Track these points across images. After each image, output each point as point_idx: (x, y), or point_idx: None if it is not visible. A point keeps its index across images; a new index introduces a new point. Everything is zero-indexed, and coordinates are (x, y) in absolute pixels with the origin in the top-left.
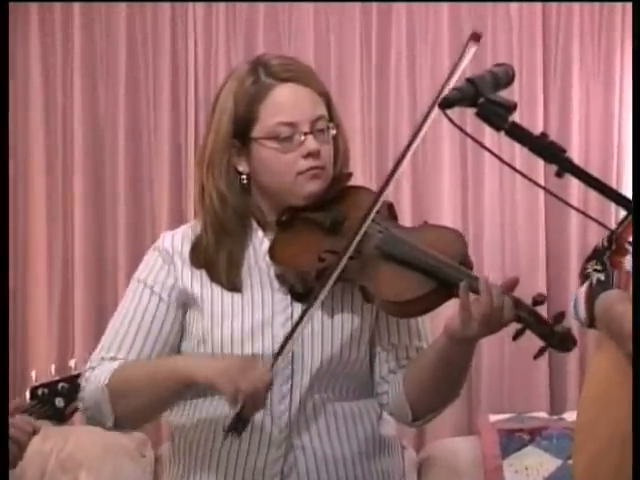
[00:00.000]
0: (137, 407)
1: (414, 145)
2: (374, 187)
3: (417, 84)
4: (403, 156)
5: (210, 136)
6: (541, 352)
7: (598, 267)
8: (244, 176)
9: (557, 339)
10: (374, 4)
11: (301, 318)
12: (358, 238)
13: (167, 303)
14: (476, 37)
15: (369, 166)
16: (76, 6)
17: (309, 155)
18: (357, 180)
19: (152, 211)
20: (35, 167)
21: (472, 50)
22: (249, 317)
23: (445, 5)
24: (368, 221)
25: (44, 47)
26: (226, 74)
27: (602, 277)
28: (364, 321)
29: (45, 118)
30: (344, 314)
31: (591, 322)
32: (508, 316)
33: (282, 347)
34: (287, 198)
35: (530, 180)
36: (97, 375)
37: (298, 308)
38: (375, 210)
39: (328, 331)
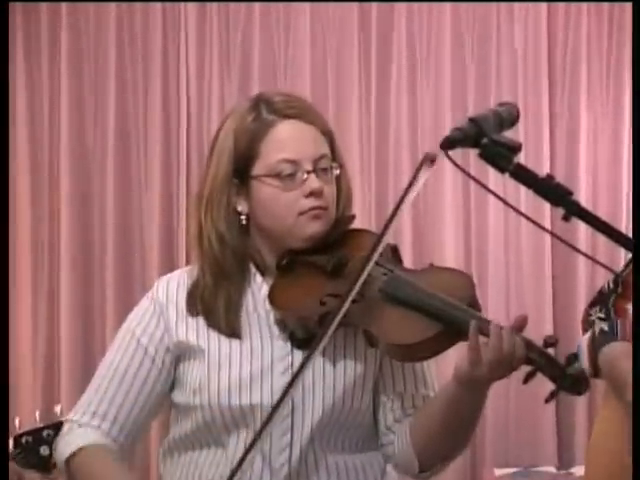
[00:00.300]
0: None
1: (414, 189)
2: (373, 224)
3: (418, 112)
4: (403, 197)
5: (209, 176)
6: (553, 395)
7: (602, 315)
8: (243, 217)
9: (569, 381)
10: (373, 29)
11: (302, 366)
12: (361, 280)
13: (152, 357)
14: (431, 159)
15: (368, 201)
16: (63, 6)
17: (311, 194)
18: (356, 216)
19: (141, 218)
20: (20, 167)
21: (426, 174)
22: (247, 365)
23: (447, 29)
24: (372, 263)
25: (29, 47)
26: (218, 74)
27: (605, 327)
28: (368, 368)
29: (30, 119)
30: (347, 361)
31: (595, 373)
32: (519, 358)
33: (281, 399)
34: (287, 240)
35: (536, 224)
36: (68, 442)
37: (299, 356)
38: (378, 251)
39: (330, 379)
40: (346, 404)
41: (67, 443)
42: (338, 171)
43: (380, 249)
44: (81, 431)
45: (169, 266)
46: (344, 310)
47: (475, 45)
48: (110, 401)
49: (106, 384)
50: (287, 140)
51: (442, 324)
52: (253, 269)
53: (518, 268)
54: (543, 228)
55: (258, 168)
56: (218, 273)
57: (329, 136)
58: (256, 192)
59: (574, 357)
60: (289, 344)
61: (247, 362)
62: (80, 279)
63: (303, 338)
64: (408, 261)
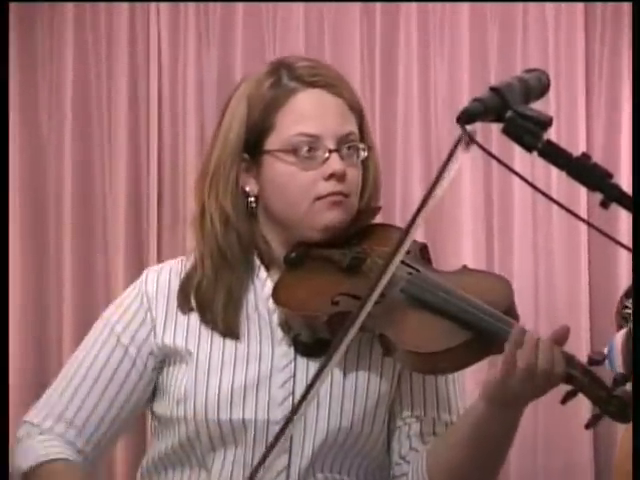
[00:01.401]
0: None
1: (447, 177)
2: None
3: (431, 101)
4: (434, 186)
5: (216, 146)
6: (595, 420)
7: None
8: (252, 198)
9: (615, 406)
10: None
11: (313, 382)
12: (386, 279)
13: (133, 359)
14: (468, 139)
15: None
16: (12, 6)
17: (332, 176)
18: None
19: (104, 216)
20: None
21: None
22: (242, 373)
23: (465, 4)
24: (397, 259)
25: None
26: (195, 71)
27: None
28: (383, 385)
29: None
30: (359, 374)
31: (630, 376)
32: (558, 375)
33: (287, 423)
34: (300, 229)
35: (569, 212)
36: (26, 452)
37: (302, 365)
38: (405, 247)
39: (338, 395)
40: (355, 426)
41: (25, 453)
42: (366, 153)
43: (407, 245)
44: (42, 439)
45: (137, 272)
46: (365, 313)
47: (497, 5)
48: (79, 405)
49: (75, 384)
50: (308, 111)
51: (471, 332)
52: (257, 262)
53: (549, 264)
54: (578, 217)
55: (272, 141)
56: (220, 261)
57: (358, 112)
58: (268, 170)
59: (622, 378)
60: (292, 350)
61: (242, 369)
62: (32, 285)
63: (308, 343)
64: None
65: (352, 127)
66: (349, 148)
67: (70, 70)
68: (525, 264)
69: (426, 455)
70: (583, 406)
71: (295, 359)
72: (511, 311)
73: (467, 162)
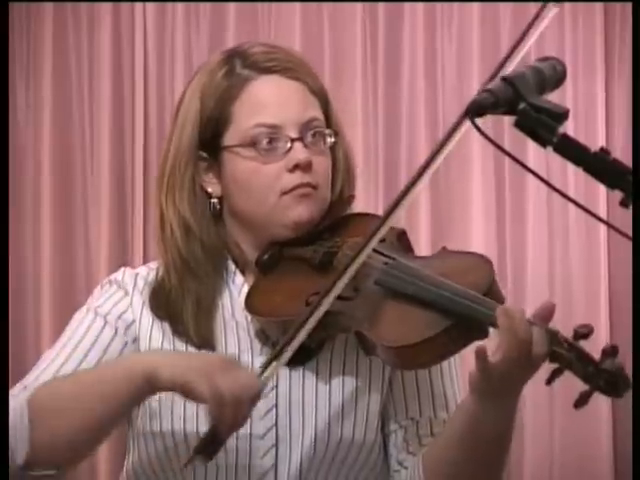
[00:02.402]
0: (70, 428)
1: (435, 163)
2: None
3: (439, 91)
4: (420, 174)
5: (171, 147)
6: (585, 398)
7: None
8: (214, 200)
9: (604, 379)
10: None
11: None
12: (351, 271)
13: (123, 340)
14: (478, 110)
15: (374, 192)
16: None
17: (297, 167)
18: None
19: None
20: None
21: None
22: None
23: None
24: (367, 249)
25: None
26: (184, 59)
27: None
28: (373, 390)
29: None
30: (346, 380)
31: None
32: (541, 349)
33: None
34: (269, 228)
35: (587, 212)
36: (18, 399)
37: (285, 375)
38: (378, 235)
39: (324, 404)
40: (345, 436)
41: (24, 395)
42: (333, 139)
43: (380, 233)
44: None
45: (119, 257)
46: (323, 309)
47: None
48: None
49: (60, 362)
50: (265, 100)
51: (451, 319)
52: (232, 266)
53: (565, 268)
54: (597, 217)
55: (230, 136)
56: (184, 271)
57: (322, 96)
58: (229, 167)
59: (612, 350)
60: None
61: None
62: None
63: None
64: (423, 254)
65: (315, 112)
66: (314, 135)
67: (49, 64)
68: (539, 259)
69: (422, 459)
70: (600, 397)
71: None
72: (492, 291)
73: (477, 158)
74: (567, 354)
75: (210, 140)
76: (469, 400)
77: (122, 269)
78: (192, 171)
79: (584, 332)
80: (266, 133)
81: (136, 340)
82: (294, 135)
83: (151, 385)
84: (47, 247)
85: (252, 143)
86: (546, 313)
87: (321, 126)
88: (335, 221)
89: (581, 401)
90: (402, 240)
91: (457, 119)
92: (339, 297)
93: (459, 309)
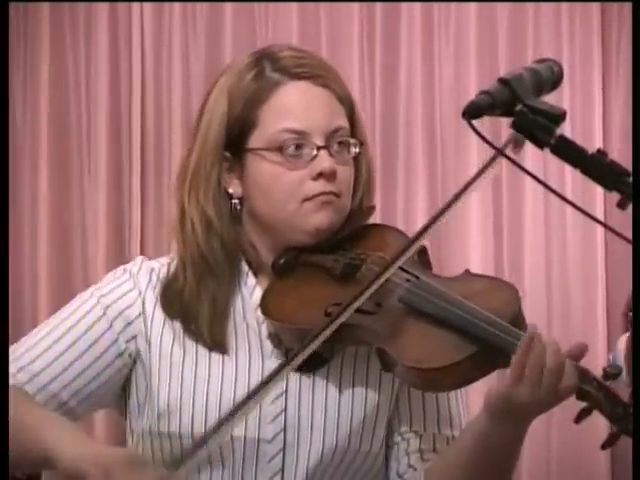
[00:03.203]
0: (11, 448)
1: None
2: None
3: (436, 93)
4: (462, 192)
5: (196, 145)
6: (612, 440)
7: None
8: (235, 201)
9: (632, 422)
10: None
11: (270, 379)
12: (376, 285)
13: (116, 336)
14: (516, 142)
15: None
16: None
17: (321, 176)
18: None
19: (83, 214)
20: None
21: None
22: (230, 388)
23: None
24: (396, 265)
25: None
26: (181, 62)
27: None
28: (382, 401)
29: None
30: (356, 389)
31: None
32: (567, 386)
33: (216, 428)
34: (288, 233)
35: (585, 213)
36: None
37: (295, 380)
38: (407, 254)
39: (333, 411)
40: (352, 444)
41: None
42: (358, 149)
43: (408, 255)
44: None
45: (117, 256)
46: (342, 318)
47: None
48: (48, 363)
49: (49, 342)
50: (294, 106)
51: (477, 345)
52: (245, 267)
53: (562, 271)
54: (595, 219)
55: (256, 139)
56: (203, 269)
57: (348, 104)
58: (252, 169)
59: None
60: None
61: (230, 384)
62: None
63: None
64: None
65: (342, 121)
66: (339, 144)
67: (46, 65)
68: (536, 263)
69: (424, 473)
70: (600, 423)
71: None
72: (518, 319)
73: (475, 160)
74: (596, 393)
75: (235, 141)
76: (480, 419)
77: (140, 260)
78: (217, 170)
79: (614, 372)
80: (292, 139)
81: (134, 338)
82: (320, 143)
83: (47, 461)
84: (44, 247)
85: (278, 148)
86: (578, 352)
87: (346, 135)
88: (355, 231)
89: (609, 442)
90: (423, 257)
91: (490, 158)
92: (361, 311)
93: (486, 336)
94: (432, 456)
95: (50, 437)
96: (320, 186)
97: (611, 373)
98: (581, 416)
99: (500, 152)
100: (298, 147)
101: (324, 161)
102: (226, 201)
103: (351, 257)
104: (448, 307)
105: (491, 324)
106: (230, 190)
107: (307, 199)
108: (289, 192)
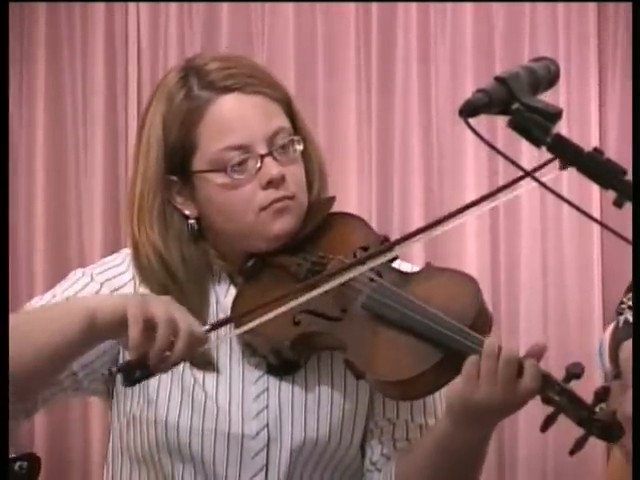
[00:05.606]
0: (24, 361)
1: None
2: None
3: (432, 87)
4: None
5: (138, 173)
6: (581, 443)
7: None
8: (192, 221)
9: (599, 427)
10: None
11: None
12: (327, 287)
13: None
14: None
15: (367, 191)
16: None
17: (270, 184)
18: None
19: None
20: None
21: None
22: (212, 386)
23: None
24: (356, 271)
25: None
26: (177, 59)
27: (630, 317)
28: (360, 393)
29: None
30: (334, 385)
31: (617, 375)
32: (530, 386)
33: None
34: (251, 242)
35: (581, 212)
36: None
37: (275, 378)
38: (365, 266)
39: (313, 407)
40: (333, 438)
41: None
42: (301, 146)
43: (369, 265)
44: None
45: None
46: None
47: None
48: None
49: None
50: (229, 121)
51: (441, 352)
52: (217, 269)
53: (558, 274)
54: (591, 217)
55: (199, 161)
56: (165, 292)
57: (284, 102)
58: (202, 191)
59: (603, 392)
60: (264, 366)
61: (212, 382)
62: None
63: (278, 365)
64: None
65: (280, 121)
66: (282, 147)
67: (42, 64)
68: (532, 263)
69: (395, 465)
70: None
71: (267, 374)
72: (481, 316)
73: (470, 158)
74: (559, 398)
75: (179, 165)
76: (442, 422)
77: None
78: (161, 197)
79: (576, 372)
80: (235, 155)
81: None
82: (263, 151)
83: (91, 320)
84: (41, 247)
85: (222, 168)
86: (537, 351)
87: (289, 134)
88: (317, 227)
89: (577, 447)
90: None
91: (515, 178)
92: (327, 317)
93: (447, 341)
94: (405, 445)
95: (86, 302)
96: (272, 194)
97: (572, 373)
98: (547, 422)
99: (497, 150)
100: (242, 162)
101: (270, 169)
102: (180, 224)
103: (312, 261)
104: (409, 314)
105: (452, 329)
106: (186, 212)
107: (263, 209)
108: (243, 206)
